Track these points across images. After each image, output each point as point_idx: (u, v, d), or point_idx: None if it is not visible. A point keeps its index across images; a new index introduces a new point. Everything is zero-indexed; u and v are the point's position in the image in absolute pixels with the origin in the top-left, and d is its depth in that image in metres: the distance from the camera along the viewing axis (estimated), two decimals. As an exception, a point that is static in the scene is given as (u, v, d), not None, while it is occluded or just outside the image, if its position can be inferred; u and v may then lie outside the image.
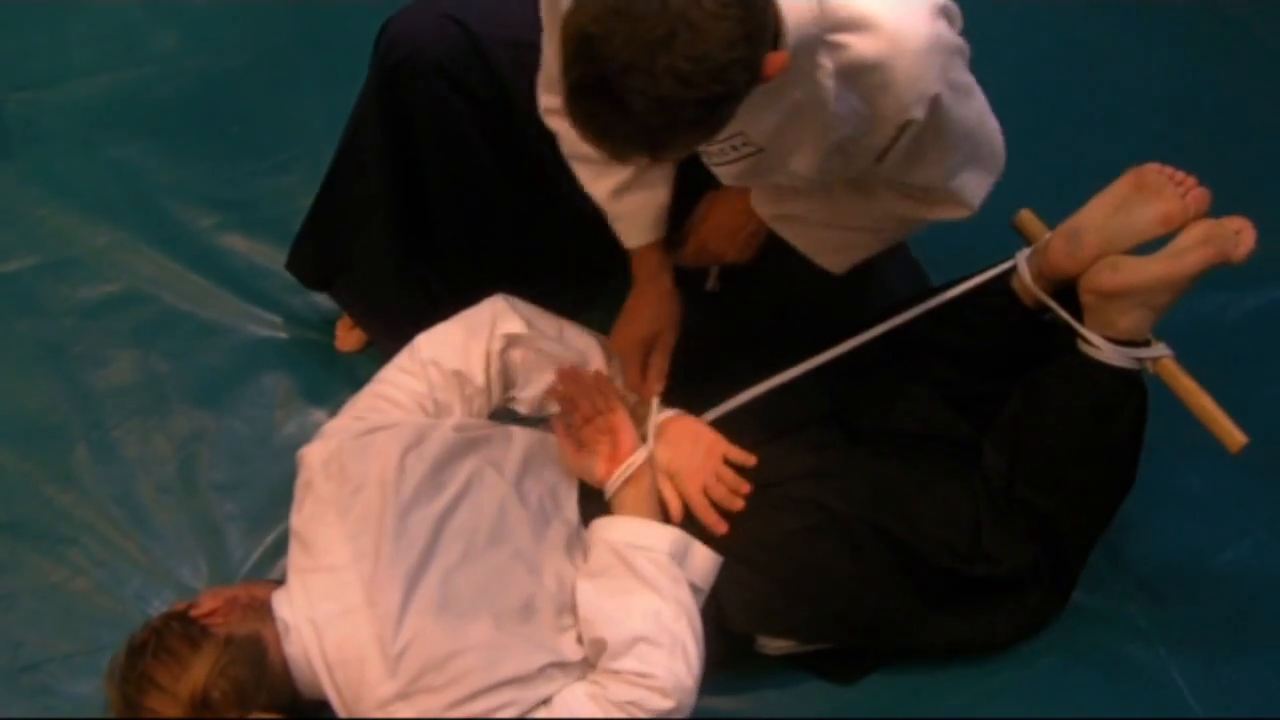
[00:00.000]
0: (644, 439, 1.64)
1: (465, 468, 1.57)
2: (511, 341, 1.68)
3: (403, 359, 1.69)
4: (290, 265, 1.91)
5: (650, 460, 1.61)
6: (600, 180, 1.62)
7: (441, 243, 1.84)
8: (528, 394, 1.70)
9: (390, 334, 1.84)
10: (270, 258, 2.03)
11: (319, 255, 1.88)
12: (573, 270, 1.96)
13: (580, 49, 1.10)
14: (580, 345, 1.72)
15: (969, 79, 1.39)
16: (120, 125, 2.22)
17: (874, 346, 1.72)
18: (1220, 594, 1.83)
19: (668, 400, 1.70)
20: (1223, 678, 1.73)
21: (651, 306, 1.69)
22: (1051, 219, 1.74)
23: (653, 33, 1.05)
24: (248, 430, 1.86)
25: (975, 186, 1.49)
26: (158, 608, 1.64)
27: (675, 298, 1.69)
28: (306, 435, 1.69)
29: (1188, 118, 2.47)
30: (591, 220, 1.68)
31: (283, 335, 1.97)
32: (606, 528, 1.55)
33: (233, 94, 2.29)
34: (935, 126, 1.34)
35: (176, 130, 2.22)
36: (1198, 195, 1.64)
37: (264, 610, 1.46)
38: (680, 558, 1.52)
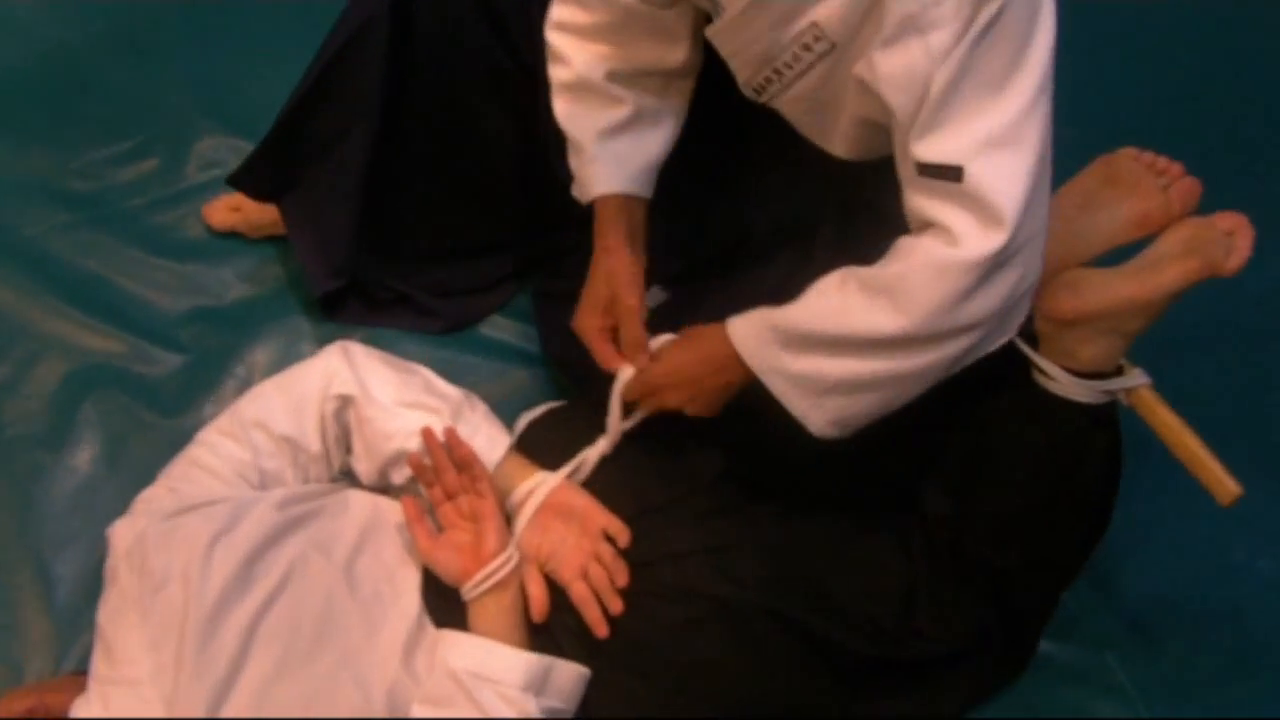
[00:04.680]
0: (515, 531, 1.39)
1: (285, 554, 1.32)
2: (347, 403, 1.43)
3: (223, 420, 1.45)
4: (238, 176, 1.69)
5: (518, 567, 1.36)
6: (593, 115, 1.40)
7: (405, 182, 1.67)
8: (363, 465, 1.45)
9: (328, 269, 1.69)
10: (123, 262, 1.79)
11: (282, 162, 1.67)
12: (529, 241, 1.78)
13: None
14: (431, 407, 1.44)
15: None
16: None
17: None
18: (1218, 640, 1.56)
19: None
20: (1212, 741, 1.45)
21: (599, 269, 1.44)
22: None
23: None
24: (82, 474, 1.62)
25: (1010, 185, 1.11)
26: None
27: (626, 256, 1.43)
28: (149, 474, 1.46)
29: (1175, 95, 2.08)
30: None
31: (126, 353, 1.72)
32: (450, 651, 1.30)
33: (88, 66, 2.00)
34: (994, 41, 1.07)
35: (17, 112, 1.94)
36: (1184, 188, 1.32)
37: None
38: (537, 687, 1.28)
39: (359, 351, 1.47)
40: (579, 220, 1.50)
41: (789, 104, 1.32)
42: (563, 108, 1.44)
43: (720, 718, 1.36)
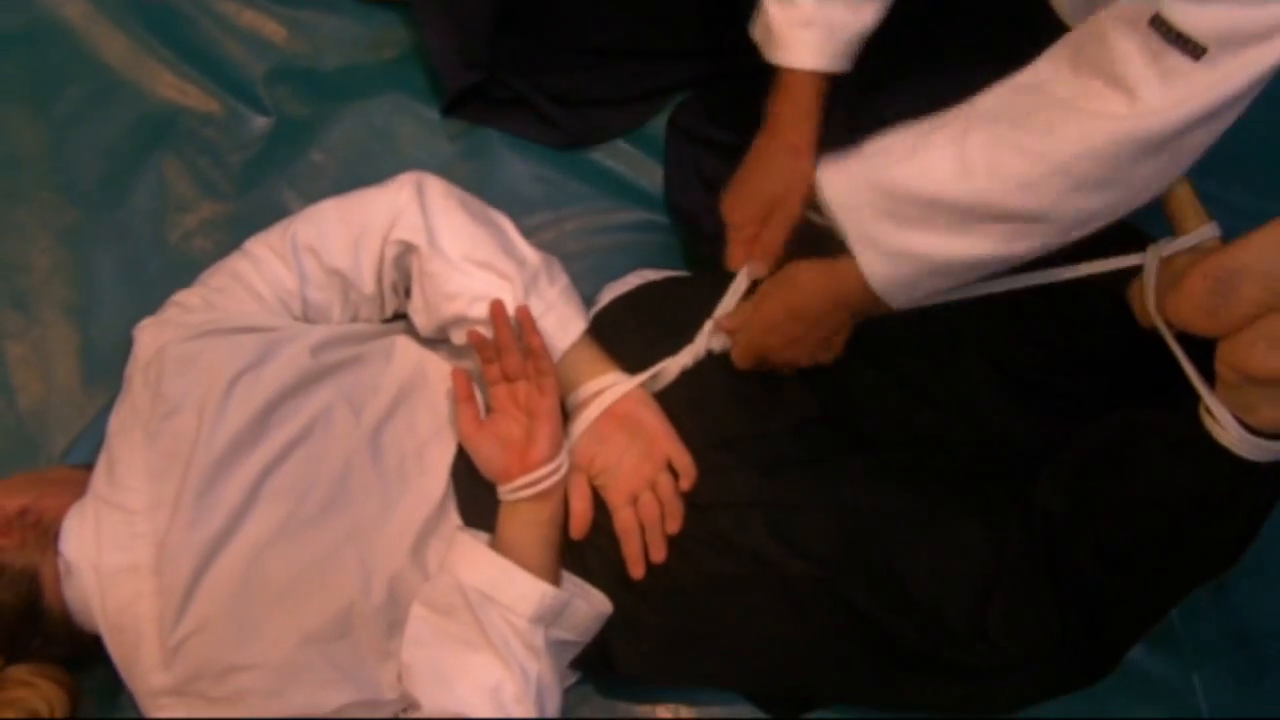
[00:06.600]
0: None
1: (310, 404, 1.20)
2: (409, 250, 1.26)
3: (274, 236, 1.29)
4: None
5: (565, 477, 1.22)
6: None
7: None
8: (420, 319, 1.29)
9: (463, 59, 1.50)
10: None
11: None
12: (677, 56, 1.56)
13: None
14: (503, 272, 1.25)
15: None
16: None
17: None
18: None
19: None
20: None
21: (779, 164, 1.23)
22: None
23: None
24: (132, 239, 1.47)
25: None
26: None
27: (809, 157, 1.22)
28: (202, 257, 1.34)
29: None
30: None
31: (202, 107, 1.54)
32: (462, 563, 1.17)
33: None
34: None
35: None
36: None
37: (49, 540, 1.17)
38: (549, 620, 1.16)
39: (435, 189, 1.28)
40: (738, 47, 1.27)
41: None
42: None
43: (737, 669, 1.25)
